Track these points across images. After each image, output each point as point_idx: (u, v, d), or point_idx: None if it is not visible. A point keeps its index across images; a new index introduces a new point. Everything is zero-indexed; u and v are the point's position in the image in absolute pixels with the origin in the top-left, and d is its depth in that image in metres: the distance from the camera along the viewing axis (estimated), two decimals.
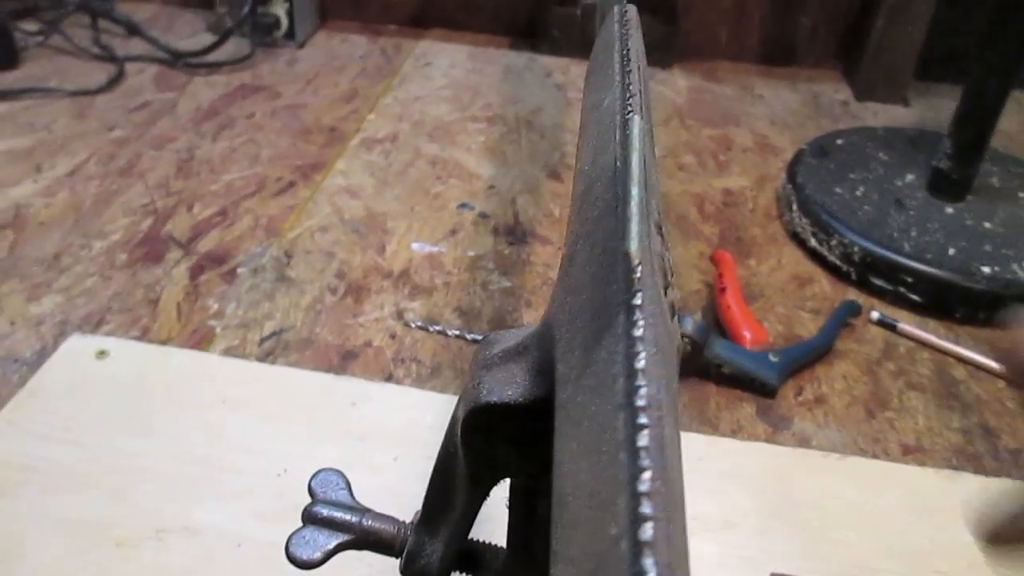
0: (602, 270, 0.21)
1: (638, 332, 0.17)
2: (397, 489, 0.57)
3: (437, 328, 0.75)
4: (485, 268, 0.84)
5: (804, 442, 0.67)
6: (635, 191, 0.20)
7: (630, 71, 0.27)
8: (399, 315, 0.77)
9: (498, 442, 0.25)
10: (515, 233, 0.90)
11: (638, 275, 0.18)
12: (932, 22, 1.19)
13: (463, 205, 0.95)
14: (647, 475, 0.14)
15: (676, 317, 0.21)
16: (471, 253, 0.86)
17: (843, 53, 1.34)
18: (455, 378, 0.71)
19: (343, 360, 0.71)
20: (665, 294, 0.21)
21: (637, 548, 0.13)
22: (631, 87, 0.26)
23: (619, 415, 0.16)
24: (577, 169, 0.28)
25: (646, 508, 0.13)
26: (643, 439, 0.14)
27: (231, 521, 0.55)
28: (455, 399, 0.66)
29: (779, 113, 1.21)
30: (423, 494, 0.58)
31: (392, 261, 0.84)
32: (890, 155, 0.98)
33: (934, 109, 1.22)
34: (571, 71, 1.30)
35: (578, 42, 1.29)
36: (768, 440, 0.67)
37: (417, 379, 0.70)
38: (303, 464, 0.59)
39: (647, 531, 0.13)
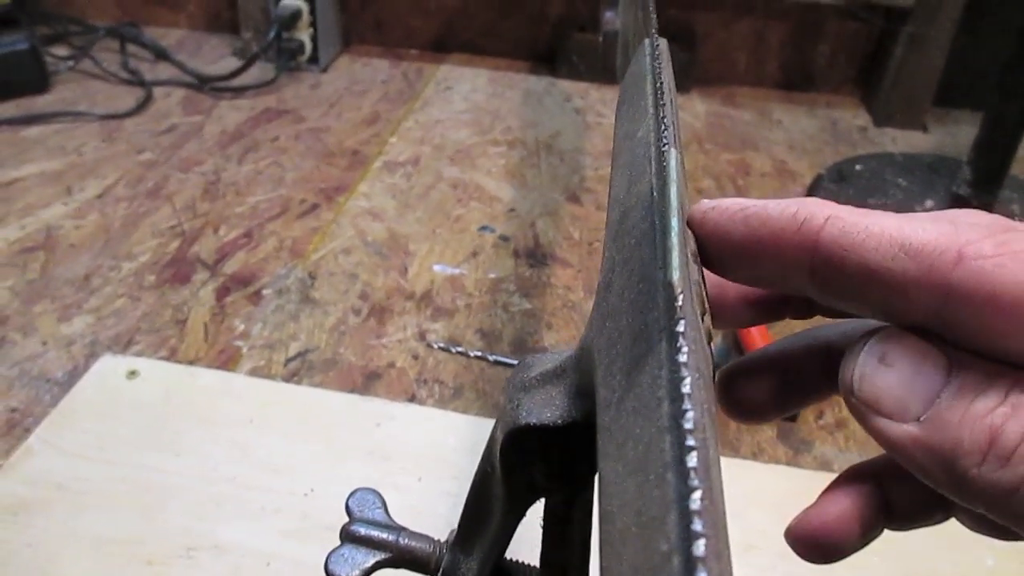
0: (641, 297, 0.21)
1: (682, 358, 0.18)
2: (422, 509, 0.58)
3: (459, 349, 0.76)
4: (506, 290, 0.85)
5: (825, 466, 0.67)
6: (674, 222, 0.21)
7: (664, 104, 0.28)
8: (421, 336, 0.78)
9: (535, 463, 0.26)
10: (535, 256, 0.91)
11: (680, 303, 0.19)
12: (950, 50, 1.20)
13: (484, 228, 0.96)
14: (697, 494, 0.15)
15: (711, 343, 0.22)
16: (492, 275, 0.87)
17: (861, 79, 1.35)
18: (477, 399, 0.71)
19: (367, 381, 0.72)
20: (702, 321, 0.22)
21: (691, 563, 0.13)
22: (665, 120, 0.27)
23: (665, 437, 0.17)
24: (611, 197, 0.29)
25: (697, 525, 0.14)
26: (692, 460, 0.15)
27: (260, 539, 0.55)
28: (478, 420, 0.68)
29: (797, 138, 1.22)
30: (447, 514, 0.59)
31: (414, 283, 0.86)
32: (909, 181, 0.99)
33: (952, 135, 1.23)
34: (590, 96, 1.31)
35: (598, 68, 1.30)
36: (789, 463, 0.68)
37: (440, 400, 0.71)
38: (329, 484, 0.60)
39: (700, 547, 0.14)
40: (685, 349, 0.18)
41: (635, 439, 0.18)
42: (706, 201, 0.24)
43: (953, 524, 0.26)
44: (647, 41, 0.34)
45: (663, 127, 0.27)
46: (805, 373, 0.27)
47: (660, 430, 0.17)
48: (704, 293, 0.24)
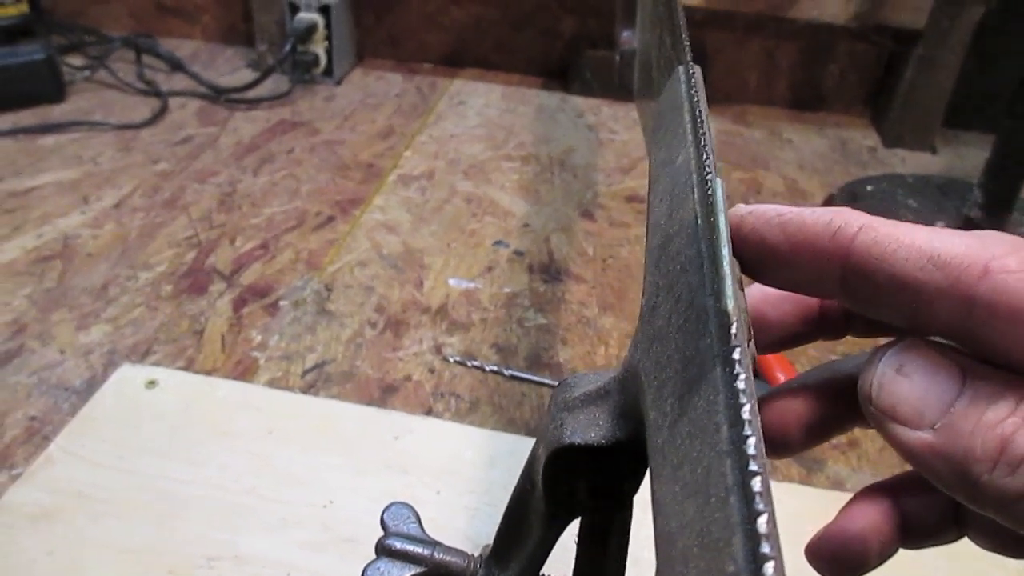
0: (690, 323, 0.22)
1: (740, 384, 0.18)
2: (442, 523, 0.59)
3: (475, 363, 0.77)
4: (521, 305, 0.86)
5: (838, 485, 0.68)
6: (725, 251, 0.22)
7: (704, 132, 0.29)
8: (437, 350, 0.79)
9: (578, 482, 0.27)
10: (549, 271, 0.92)
11: (735, 331, 0.20)
12: (960, 72, 1.21)
13: (498, 243, 0.96)
14: (763, 518, 0.15)
15: (755, 368, 0.23)
16: (507, 290, 0.88)
17: (871, 100, 1.36)
18: (493, 413, 0.72)
19: (383, 393, 0.73)
20: (748, 346, 0.22)
21: None
22: (706, 148, 0.28)
23: (726, 461, 0.17)
24: (651, 222, 0.29)
25: (765, 548, 0.15)
26: (756, 484, 0.16)
27: (279, 551, 0.56)
28: (495, 434, 0.68)
29: (808, 158, 1.23)
30: (466, 528, 0.59)
31: (430, 296, 0.86)
32: (920, 202, 0.99)
33: (962, 157, 1.24)
34: (602, 112, 1.32)
35: (611, 85, 1.31)
36: (802, 482, 0.68)
37: (456, 413, 0.71)
38: (348, 496, 0.61)
39: (769, 570, 0.14)
40: (743, 376, 0.18)
41: (692, 462, 0.19)
42: (743, 206, 0.25)
43: (966, 544, 0.27)
44: (681, 68, 0.35)
45: (704, 156, 0.27)
46: (828, 407, 0.27)
47: (720, 454, 0.17)
48: (749, 319, 0.25)
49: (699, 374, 0.20)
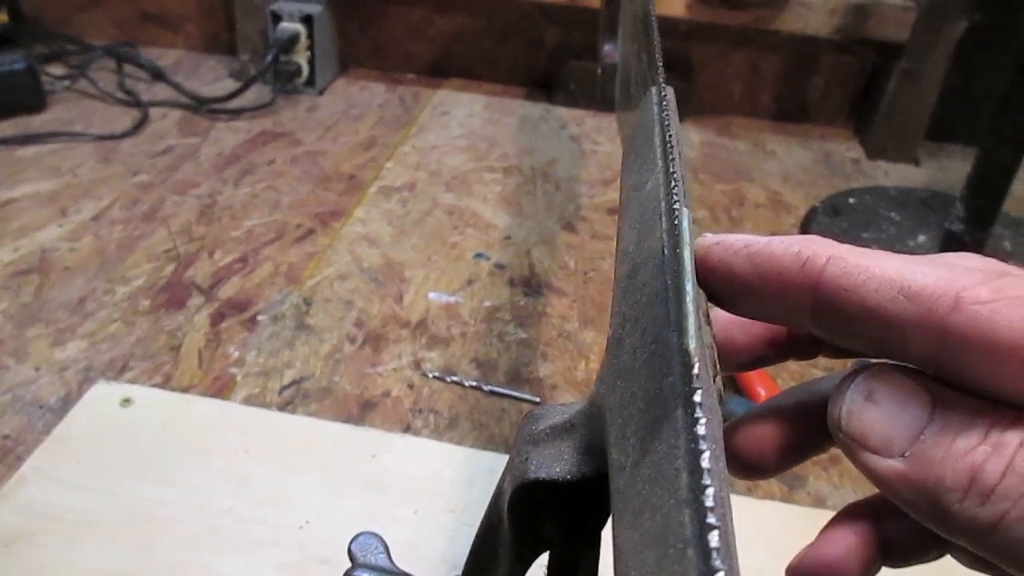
0: (655, 359, 0.21)
1: (700, 430, 0.18)
2: (419, 542, 0.58)
3: (454, 379, 0.76)
4: (501, 319, 0.85)
5: (819, 502, 0.68)
6: (689, 287, 0.21)
7: (673, 158, 0.28)
8: (417, 365, 0.78)
9: (543, 516, 0.26)
10: (531, 284, 0.91)
11: (696, 372, 0.19)
12: (943, 85, 1.21)
13: (479, 255, 0.96)
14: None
15: (722, 403, 0.22)
16: (487, 304, 0.88)
17: (854, 112, 1.36)
18: (472, 430, 0.71)
19: (362, 410, 0.72)
20: (714, 383, 0.22)
21: None
22: (675, 175, 0.27)
23: (684, 511, 0.17)
24: (620, 249, 0.29)
25: None
26: (713, 539, 0.15)
27: (256, 573, 0.55)
28: (474, 452, 0.67)
29: (791, 170, 1.23)
30: (443, 548, 0.59)
31: (410, 311, 0.86)
32: (902, 215, 1.00)
33: (944, 170, 1.24)
34: (586, 123, 1.32)
35: (594, 96, 1.31)
36: (784, 499, 0.68)
37: (435, 430, 0.71)
38: (325, 516, 0.60)
39: None
40: (703, 420, 0.18)
41: (652, 509, 0.18)
42: (710, 236, 0.24)
43: (947, 562, 0.26)
44: (654, 89, 0.35)
45: (673, 183, 0.27)
46: (804, 428, 0.27)
47: (679, 503, 0.17)
48: (715, 353, 0.24)
49: (661, 415, 0.20)
